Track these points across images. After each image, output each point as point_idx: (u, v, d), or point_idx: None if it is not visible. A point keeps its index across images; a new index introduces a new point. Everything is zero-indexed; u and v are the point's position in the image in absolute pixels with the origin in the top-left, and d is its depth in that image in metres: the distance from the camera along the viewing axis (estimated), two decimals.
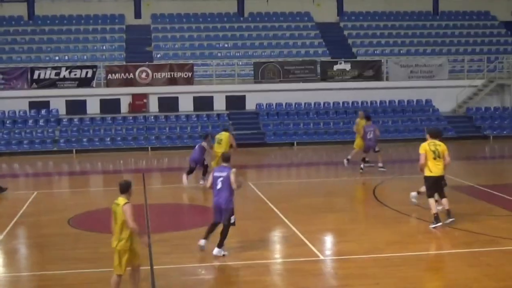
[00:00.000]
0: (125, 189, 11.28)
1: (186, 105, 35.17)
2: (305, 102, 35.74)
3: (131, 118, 34.39)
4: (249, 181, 23.66)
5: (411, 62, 37.65)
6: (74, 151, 32.38)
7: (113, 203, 11.23)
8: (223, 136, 22.38)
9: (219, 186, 13.74)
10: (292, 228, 16.12)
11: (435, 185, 15.90)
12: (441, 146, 15.67)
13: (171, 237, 15.68)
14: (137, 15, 41.70)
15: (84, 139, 32.95)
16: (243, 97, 35.77)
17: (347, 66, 36.69)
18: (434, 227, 15.65)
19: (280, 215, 17.68)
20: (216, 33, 40.56)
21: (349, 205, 19.80)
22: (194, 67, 35.93)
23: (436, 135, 16.04)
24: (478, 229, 15.76)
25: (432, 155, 15.56)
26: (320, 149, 32.44)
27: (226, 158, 14.23)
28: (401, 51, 40.16)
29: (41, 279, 12.96)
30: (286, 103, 35.67)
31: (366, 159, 24.61)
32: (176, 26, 40.85)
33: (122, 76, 35.12)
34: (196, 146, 22.92)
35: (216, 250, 13.82)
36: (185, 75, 35.41)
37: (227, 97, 35.49)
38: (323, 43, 40.27)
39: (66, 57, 37.76)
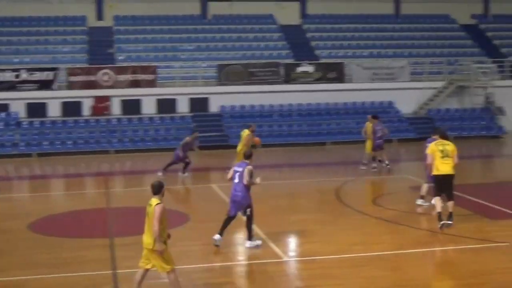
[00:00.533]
0: (158, 190, 11.40)
1: (149, 107, 35.02)
2: (269, 104, 35.84)
3: (93, 120, 34.13)
4: (212, 183, 23.64)
5: (373, 65, 37.98)
6: (34, 155, 32.01)
7: (147, 204, 11.36)
8: (243, 133, 22.96)
9: (236, 180, 14.48)
10: (256, 230, 16.12)
11: (443, 184, 15.82)
12: (450, 146, 15.78)
13: (135, 241, 15.52)
14: (100, 16, 41.42)
15: (45, 142, 32.59)
16: (207, 99, 35.73)
17: (311, 68, 36.87)
18: (440, 227, 15.52)
19: (244, 217, 17.64)
20: (179, 35, 40.45)
21: (313, 206, 19.86)
22: (157, 70, 35.80)
23: (445, 135, 16.20)
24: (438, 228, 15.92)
25: (440, 154, 15.62)
26: (283, 151, 32.51)
27: (247, 155, 14.95)
28: (363, 54, 40.47)
29: (1, 285, 12.78)
30: (249, 105, 35.72)
31: (378, 158, 25.12)
32: (139, 28, 40.66)
33: (84, 79, 34.83)
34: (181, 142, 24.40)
35: (248, 243, 14.60)
36: (148, 77, 35.27)
37: (190, 99, 35.41)
38: (287, 45, 40.40)
39: (27, 59, 37.31)
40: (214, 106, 35.74)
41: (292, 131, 34.63)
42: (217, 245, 14.46)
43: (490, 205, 18.71)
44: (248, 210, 14.54)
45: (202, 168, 27.79)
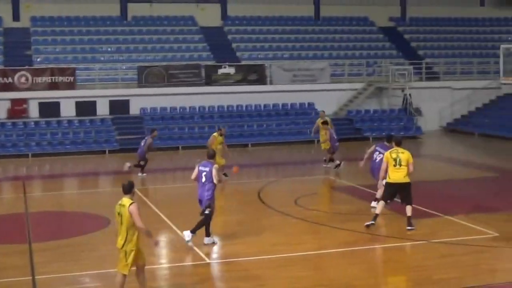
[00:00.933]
0: (128, 189, 11.41)
1: (68, 110, 34.35)
2: (190, 106, 35.69)
3: (10, 123, 33.27)
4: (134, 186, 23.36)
5: (294, 66, 38.29)
6: None
7: (117, 205, 11.30)
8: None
9: (203, 179, 14.75)
10: (178, 233, 16.04)
11: (393, 192, 16.10)
12: (404, 154, 15.94)
13: (54, 246, 15.27)
14: (16, 17, 40.40)
15: None
16: (127, 102, 35.31)
17: (231, 70, 36.91)
18: (367, 225, 15.91)
19: (166, 219, 17.57)
20: (98, 36, 39.89)
21: (235, 207, 19.87)
22: (76, 71, 35.19)
23: (398, 142, 16.43)
24: (360, 228, 16.16)
25: (393, 163, 15.83)
26: (205, 153, 32.33)
27: (210, 155, 15.23)
28: (284, 55, 40.77)
29: None
30: (170, 107, 35.49)
31: (336, 161, 25.41)
32: (57, 29, 39.89)
33: (0, 81, 33.95)
34: (142, 141, 24.84)
35: (206, 239, 14.94)
36: (67, 79, 34.62)
37: (110, 101, 34.90)
38: (208, 47, 40.35)
39: None
40: (134, 109, 35.34)
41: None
42: (188, 241, 14.75)
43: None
44: (208, 209, 14.80)
45: (123, 171, 27.41)
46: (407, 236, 15.52)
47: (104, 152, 32.08)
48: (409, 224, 15.93)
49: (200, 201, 15.01)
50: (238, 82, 36.80)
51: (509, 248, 14.69)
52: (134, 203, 11.18)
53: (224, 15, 43.39)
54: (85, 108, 34.44)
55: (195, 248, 14.52)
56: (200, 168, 14.96)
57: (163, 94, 35.33)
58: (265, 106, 36.71)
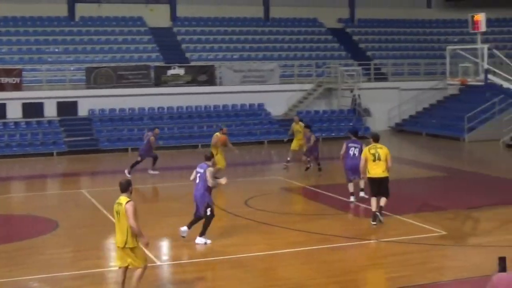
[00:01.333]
0: (125, 188, 11.44)
1: (14, 111, 33.73)
2: (139, 107, 35.41)
3: None
4: (82, 188, 23.12)
5: (243, 67, 38.30)
6: None
7: (115, 203, 11.34)
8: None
9: (197, 180, 14.90)
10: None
11: (374, 186, 16.44)
12: (382, 150, 16.37)
13: (1, 250, 14.98)
14: None
15: None
16: (75, 103, 34.86)
17: (181, 71, 36.76)
18: (374, 224, 16.24)
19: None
20: (45, 37, 39.34)
21: (185, 209, 19.71)
22: (23, 72, 34.62)
23: (376, 139, 16.72)
24: (311, 228, 16.24)
25: (372, 158, 16.28)
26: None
27: (207, 156, 15.13)
28: (233, 56, 40.77)
29: None
30: (119, 109, 35.16)
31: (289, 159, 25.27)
32: (2, 30, 39.23)
33: None
34: (145, 139, 24.68)
35: (198, 239, 14.82)
36: (13, 80, 34.02)
37: (58, 103, 34.41)
38: (157, 48, 40.12)
39: None
40: (83, 110, 34.92)
41: (164, 134, 34.23)
42: (183, 236, 14.96)
43: (358, 203, 19.25)
44: (209, 210, 14.77)
45: (72, 173, 27.12)
46: (357, 235, 15.65)
47: (52, 154, 31.61)
48: (380, 214, 16.34)
49: (195, 202, 15.09)
50: (188, 83, 36.66)
51: (456, 246, 14.92)
52: (131, 201, 11.22)
53: (174, 16, 43.20)
54: (32, 109, 33.87)
55: (146, 251, 14.36)
56: (197, 169, 15.07)
57: (112, 95, 34.97)
58: (215, 107, 36.65)
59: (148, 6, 42.82)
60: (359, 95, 38.20)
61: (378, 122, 38.82)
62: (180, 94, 36.00)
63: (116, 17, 41.95)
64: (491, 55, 38.24)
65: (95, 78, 35.23)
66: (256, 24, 44.26)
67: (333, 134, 36.38)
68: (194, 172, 15.13)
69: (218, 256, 14.18)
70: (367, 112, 38.65)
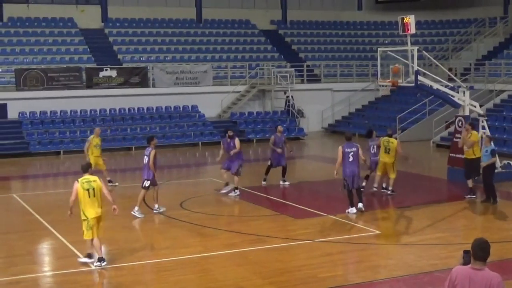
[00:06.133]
0: (87, 168, 13.64)
1: None
2: (71, 109, 34.86)
3: None
4: (13, 192, 22.65)
5: (176, 69, 38.12)
6: None
7: (83, 183, 13.18)
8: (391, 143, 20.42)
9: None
10: (61, 239, 15.64)
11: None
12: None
13: None
14: None
15: None
16: (5, 106, 34.11)
17: (113, 73, 36.34)
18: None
19: (48, 226, 17.08)
20: None
21: (121, 212, 19.51)
22: None
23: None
24: (245, 229, 16.29)
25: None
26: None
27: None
28: (166, 58, 40.55)
29: None
30: (51, 111, 34.55)
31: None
32: None
33: None
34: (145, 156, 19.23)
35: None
36: None
37: None
38: (88, 49, 39.59)
39: None
40: (12, 113, 34.18)
41: None
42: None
43: (293, 204, 19.38)
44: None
45: (2, 177, 26.53)
46: (292, 236, 15.76)
47: None
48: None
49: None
50: (120, 85, 36.29)
51: (390, 245, 15.17)
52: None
53: (105, 17, 42.67)
54: None
55: (80, 255, 14.17)
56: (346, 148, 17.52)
57: (42, 97, 34.34)
58: (148, 109, 36.37)
59: (79, 7, 42.23)
60: (292, 97, 38.47)
61: (311, 123, 39.20)
62: (113, 96, 35.59)
63: (46, 18, 41.21)
64: (420, 57, 38.93)
65: (25, 80, 34.51)
66: (188, 26, 44.12)
67: (267, 135, 36.47)
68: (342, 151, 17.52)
69: (152, 259, 14.08)
70: (300, 113, 38.95)
